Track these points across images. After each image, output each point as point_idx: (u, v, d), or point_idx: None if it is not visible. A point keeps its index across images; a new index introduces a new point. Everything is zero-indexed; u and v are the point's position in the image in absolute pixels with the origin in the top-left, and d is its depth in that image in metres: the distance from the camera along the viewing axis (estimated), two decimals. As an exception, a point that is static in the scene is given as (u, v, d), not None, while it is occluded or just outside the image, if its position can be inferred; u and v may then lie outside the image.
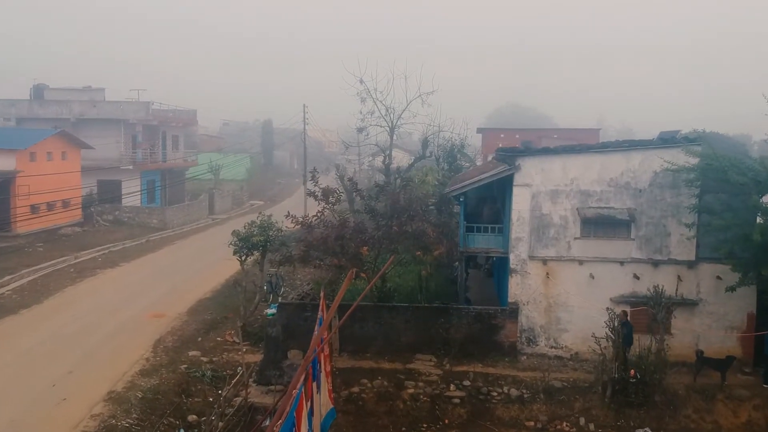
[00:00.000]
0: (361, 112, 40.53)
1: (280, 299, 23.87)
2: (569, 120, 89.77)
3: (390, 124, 40.91)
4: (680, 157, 19.83)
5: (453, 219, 32.43)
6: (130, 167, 47.60)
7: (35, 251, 35.39)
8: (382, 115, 40.28)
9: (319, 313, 17.33)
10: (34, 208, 37.73)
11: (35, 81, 51.58)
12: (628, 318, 19.72)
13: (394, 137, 44.85)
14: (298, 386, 11.50)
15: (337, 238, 19.52)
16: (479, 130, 63.14)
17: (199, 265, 32.87)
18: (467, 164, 43.60)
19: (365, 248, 19.26)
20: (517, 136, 62.28)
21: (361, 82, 39.88)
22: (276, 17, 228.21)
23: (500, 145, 59.34)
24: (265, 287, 27.25)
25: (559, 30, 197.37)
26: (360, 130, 41.03)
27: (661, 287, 19.23)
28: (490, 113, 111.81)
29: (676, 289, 20.31)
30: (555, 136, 60.76)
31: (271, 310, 24.70)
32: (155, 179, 51.71)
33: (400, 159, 55.27)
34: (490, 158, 59.78)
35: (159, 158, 52.29)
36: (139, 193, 48.16)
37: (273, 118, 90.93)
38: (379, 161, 43.39)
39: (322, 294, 18.16)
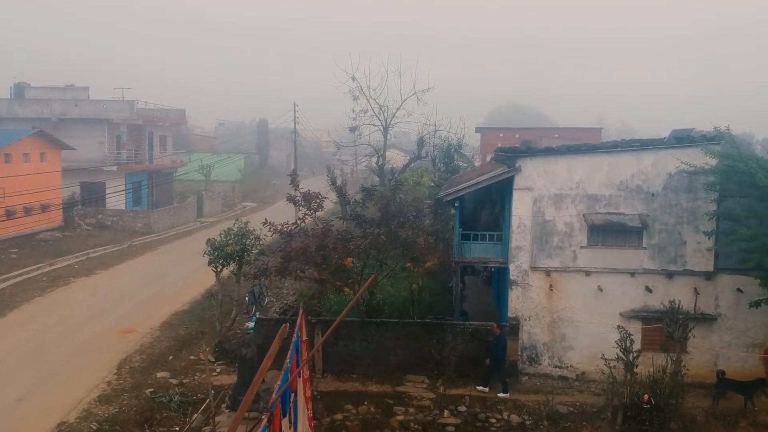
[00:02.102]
0: (353, 111, 38.81)
1: (258, 314, 21.94)
2: (569, 120, 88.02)
3: (383, 123, 39.08)
4: (697, 158, 18.01)
5: (450, 223, 30.56)
6: (114, 168, 45.71)
7: (8, 258, 33.52)
8: (375, 113, 38.51)
9: (294, 333, 15.50)
10: (9, 212, 35.84)
11: (15, 79, 49.73)
12: (502, 331, 18.49)
13: (391, 137, 43.04)
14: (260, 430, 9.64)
15: (319, 248, 17.63)
16: (478, 130, 61.27)
17: (180, 272, 30.95)
18: (465, 165, 41.80)
19: (349, 259, 17.35)
20: (517, 136, 60.51)
21: (353, 79, 38.18)
22: (275, 17, 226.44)
23: (499, 145, 57.59)
24: (246, 298, 25.39)
25: (559, 29, 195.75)
26: (352, 129, 39.17)
27: (677, 302, 17.33)
28: (489, 112, 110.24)
29: (695, 304, 18.45)
30: (556, 135, 58.96)
31: (253, 324, 22.90)
32: (141, 181, 49.76)
33: (398, 159, 53.42)
34: (489, 159, 58.05)
35: (145, 159, 50.39)
36: (124, 195, 46.35)
37: (270, 118, 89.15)
38: (376, 162, 41.45)
39: (300, 312, 16.33)
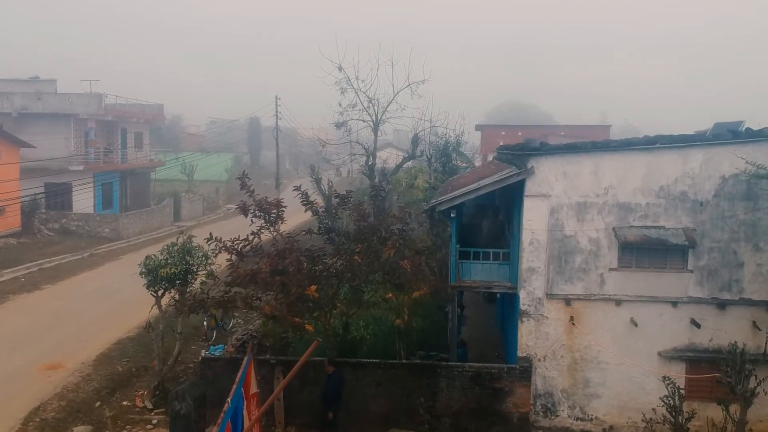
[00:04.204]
0: (340, 105, 34.63)
1: (210, 349, 17.97)
2: (571, 118, 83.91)
3: (374, 118, 34.99)
4: (759, 157, 14.10)
5: (447, 230, 26.73)
6: (81, 168, 41.65)
7: (-53, 269, 29.61)
8: (365, 107, 34.37)
9: (233, 390, 11.63)
10: (-46, 217, 32.01)
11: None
12: (336, 368, 14.61)
13: (383, 133, 38.84)
14: None
15: (275, 272, 13.65)
16: (478, 127, 57.27)
17: (138, 287, 26.34)
18: (464, 165, 37.85)
19: (313, 287, 13.37)
20: (520, 134, 56.56)
21: (340, 69, 34.01)
22: (275, 17, 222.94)
23: (501, 144, 53.45)
24: (205, 322, 21.47)
25: (559, 28, 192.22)
26: (339, 125, 35.07)
27: (740, 347, 13.29)
28: (489, 111, 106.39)
29: (766, 346, 14.48)
30: (562, 133, 54.87)
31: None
32: (113, 182, 45.77)
33: (395, 159, 49.20)
34: (490, 158, 54.08)
35: (117, 158, 46.37)
36: (92, 197, 42.40)
37: (263, 117, 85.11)
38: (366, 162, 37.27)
39: (247, 358, 12.49)
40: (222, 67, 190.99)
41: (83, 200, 41.59)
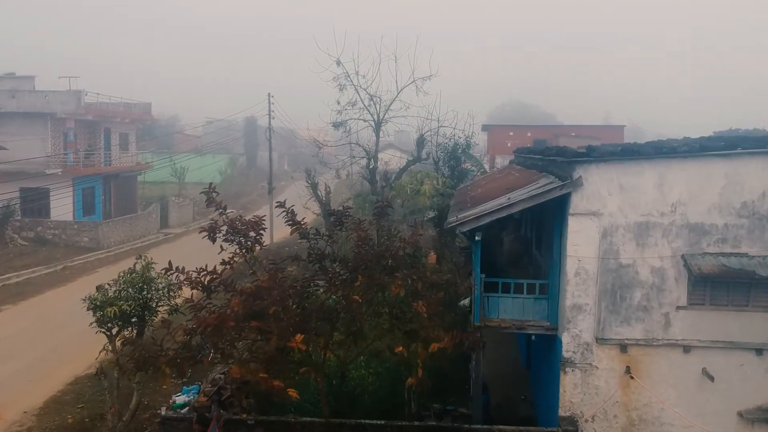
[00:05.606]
0: (338, 102, 31.45)
1: (182, 390, 14.84)
2: (574, 118, 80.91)
3: (375, 118, 31.82)
4: None
5: (456, 239, 23.70)
6: (59, 171, 38.48)
7: None
8: (365, 105, 31.19)
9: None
10: None
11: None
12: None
13: (385, 134, 35.70)
14: None
15: (249, 316, 10.48)
16: (484, 128, 54.14)
17: None
18: (473, 168, 34.69)
19: (299, 337, 10.19)
20: (529, 135, 53.71)
21: (339, 63, 30.85)
22: (277, 17, 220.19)
23: (509, 145, 49.83)
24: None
25: (560, 28, 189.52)
26: (336, 124, 31.88)
27: None
28: (491, 111, 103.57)
29: None
30: (573, 134, 51.96)
31: (182, 397, 15.95)
32: (95, 186, 42.60)
33: (398, 162, 46.04)
34: (498, 161, 50.88)
35: (100, 160, 43.17)
36: (72, 203, 39.24)
37: (259, 116, 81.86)
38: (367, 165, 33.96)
39: (212, 423, 9.34)
40: (221, 67, 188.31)
41: (62, 206, 38.45)
